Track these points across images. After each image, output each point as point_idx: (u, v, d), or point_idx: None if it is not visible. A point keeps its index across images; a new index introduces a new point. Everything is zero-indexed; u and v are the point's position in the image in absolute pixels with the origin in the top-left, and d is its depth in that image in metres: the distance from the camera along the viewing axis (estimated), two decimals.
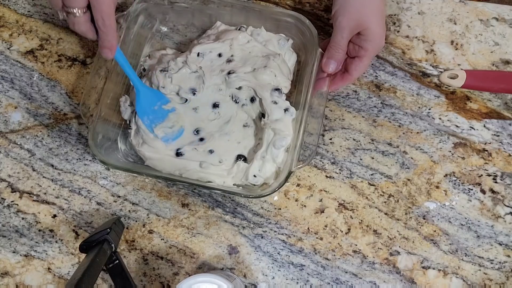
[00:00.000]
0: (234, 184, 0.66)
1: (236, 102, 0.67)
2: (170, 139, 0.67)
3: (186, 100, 0.68)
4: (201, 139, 0.67)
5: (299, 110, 0.64)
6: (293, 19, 0.67)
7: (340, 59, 0.64)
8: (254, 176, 0.64)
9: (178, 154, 0.66)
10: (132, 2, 0.69)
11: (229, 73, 0.66)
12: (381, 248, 0.67)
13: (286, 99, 0.66)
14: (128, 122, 0.69)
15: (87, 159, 0.70)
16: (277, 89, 0.65)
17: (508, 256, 0.66)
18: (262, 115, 0.67)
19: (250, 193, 0.62)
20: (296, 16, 0.66)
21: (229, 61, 0.68)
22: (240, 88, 0.67)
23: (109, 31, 0.59)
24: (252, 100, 0.67)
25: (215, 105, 0.67)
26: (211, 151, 0.66)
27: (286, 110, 0.65)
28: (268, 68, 0.66)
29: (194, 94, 0.67)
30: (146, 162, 0.67)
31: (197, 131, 0.67)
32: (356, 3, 0.61)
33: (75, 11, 0.57)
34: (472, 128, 0.70)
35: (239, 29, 0.70)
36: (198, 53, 0.68)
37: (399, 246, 0.67)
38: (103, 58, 0.66)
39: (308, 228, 0.67)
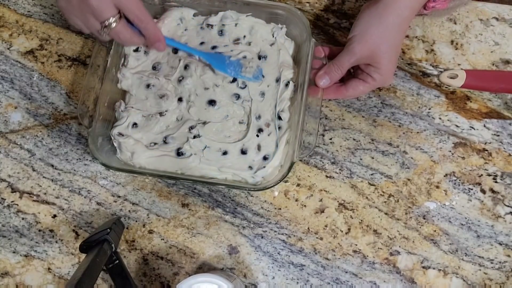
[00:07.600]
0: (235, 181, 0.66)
1: (237, 99, 0.67)
2: (259, 75, 0.68)
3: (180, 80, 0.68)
4: (198, 136, 0.66)
5: (298, 93, 0.65)
6: (285, 11, 0.68)
7: (335, 80, 0.64)
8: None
9: (179, 153, 0.66)
10: None
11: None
12: (381, 248, 0.67)
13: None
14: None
15: (87, 159, 0.70)
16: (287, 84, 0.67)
17: (508, 256, 0.66)
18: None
19: (254, 186, 0.63)
20: (288, 8, 0.67)
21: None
22: (245, 86, 0.67)
23: (148, 25, 0.61)
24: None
25: (211, 102, 0.67)
26: (207, 147, 0.66)
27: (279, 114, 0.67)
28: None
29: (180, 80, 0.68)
30: (147, 167, 0.66)
31: (191, 127, 0.67)
32: (375, 35, 0.60)
33: (111, 22, 0.58)
34: (472, 128, 0.70)
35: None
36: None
37: (399, 246, 0.67)
38: (100, 58, 0.66)
39: (308, 228, 0.67)
